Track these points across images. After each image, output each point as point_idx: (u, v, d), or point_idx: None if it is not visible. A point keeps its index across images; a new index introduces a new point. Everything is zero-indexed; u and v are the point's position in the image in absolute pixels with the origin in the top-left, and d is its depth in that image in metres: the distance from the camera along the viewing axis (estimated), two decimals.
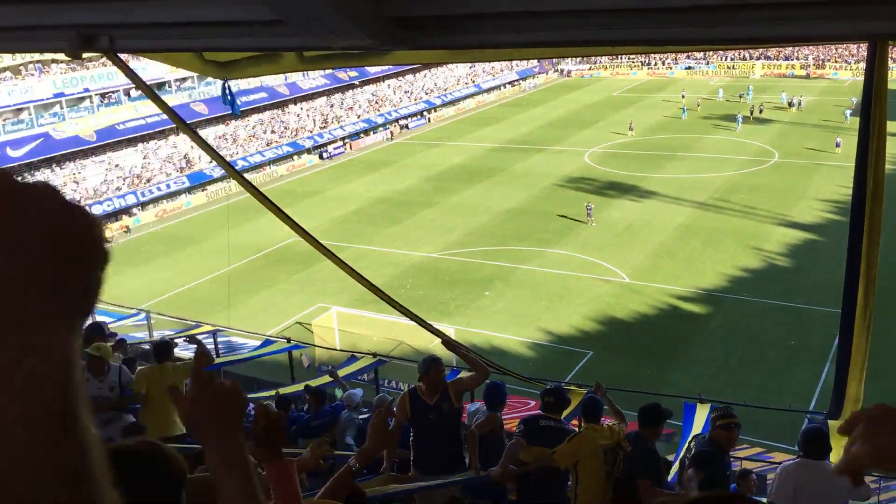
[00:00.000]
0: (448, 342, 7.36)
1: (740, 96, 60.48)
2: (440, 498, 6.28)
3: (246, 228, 35.58)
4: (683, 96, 62.93)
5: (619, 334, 24.91)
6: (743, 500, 0.90)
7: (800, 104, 55.95)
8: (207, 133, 48.05)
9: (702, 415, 10.20)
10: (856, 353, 5.42)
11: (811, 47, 74.79)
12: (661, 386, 18.07)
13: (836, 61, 72.07)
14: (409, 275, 30.71)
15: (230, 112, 46.71)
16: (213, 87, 47.68)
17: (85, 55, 3.10)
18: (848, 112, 51.37)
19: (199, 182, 45.95)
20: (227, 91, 4.93)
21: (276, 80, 54.23)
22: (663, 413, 6.57)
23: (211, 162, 42.76)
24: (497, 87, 72.44)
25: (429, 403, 6.58)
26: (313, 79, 57.16)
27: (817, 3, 1.85)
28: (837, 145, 44.22)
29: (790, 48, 75.19)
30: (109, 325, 11.94)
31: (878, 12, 1.86)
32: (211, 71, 4.31)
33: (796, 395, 19.43)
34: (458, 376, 7.69)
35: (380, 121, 59.44)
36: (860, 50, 57.90)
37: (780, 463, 7.46)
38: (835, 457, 6.70)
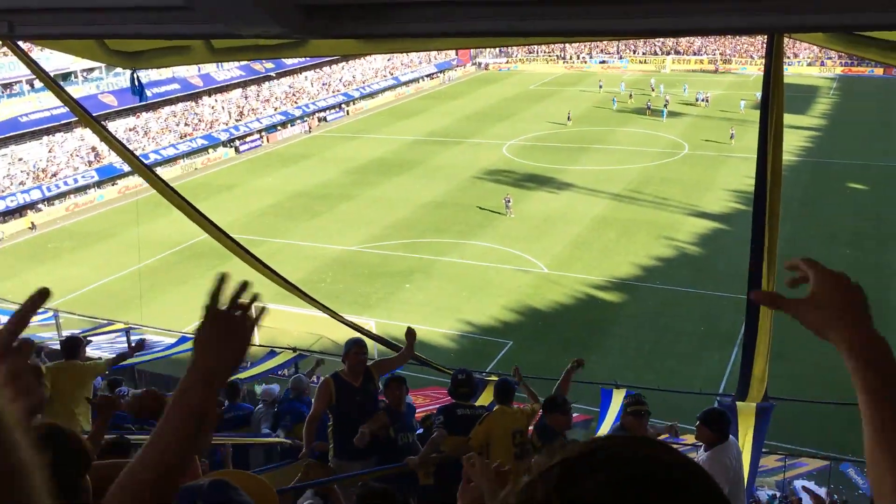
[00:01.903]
0: (409, 331, 7.32)
1: (652, 90, 62.21)
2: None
3: (159, 223, 34.57)
4: (601, 87, 65.16)
5: (538, 324, 25.32)
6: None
7: (706, 100, 57.83)
8: (117, 125, 46.44)
9: (618, 400, 10.48)
10: (761, 335, 5.65)
11: (718, 43, 77.46)
12: (578, 374, 18.44)
13: (741, 56, 74.83)
14: (330, 268, 30.45)
15: (140, 103, 45.29)
16: (123, 77, 46.08)
17: None
18: (742, 103, 54.00)
19: (108, 176, 44.33)
20: (136, 80, 4.78)
21: (189, 72, 52.82)
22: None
23: (118, 156, 41.34)
24: (416, 80, 72.38)
25: (354, 386, 6.56)
26: (228, 70, 55.89)
27: None
28: (731, 136, 46.15)
29: (699, 43, 77.72)
30: None
31: (772, 6, 1.95)
32: (116, 61, 4.17)
33: (707, 378, 20.14)
34: (382, 359, 7.69)
35: (297, 113, 58.60)
36: (764, 45, 60.23)
37: (692, 445, 7.69)
38: (743, 429, 6.98)
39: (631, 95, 60.67)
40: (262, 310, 1.51)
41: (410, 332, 7.24)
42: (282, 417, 9.14)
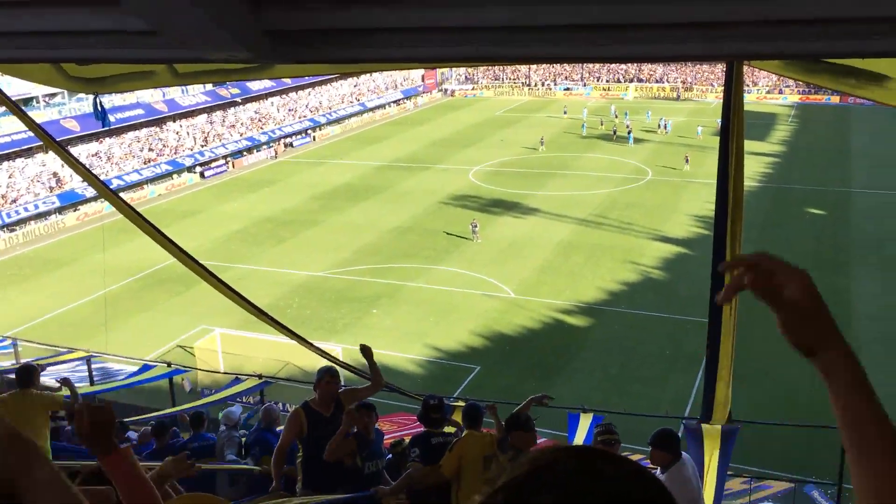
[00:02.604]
0: (364, 350, 7.22)
1: (615, 117, 63.14)
2: None
3: (122, 250, 34.09)
4: (565, 112, 66.63)
5: (505, 348, 25.33)
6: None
7: (666, 126, 58.83)
8: (80, 151, 45.83)
9: (585, 424, 10.49)
10: (723, 358, 5.71)
11: (679, 70, 78.96)
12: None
13: (702, 84, 76.32)
14: (296, 294, 30.22)
15: (103, 128, 44.80)
16: (85, 102, 45.58)
17: None
18: (700, 129, 55.38)
19: (70, 202, 43.66)
20: (99, 105, 4.74)
21: (153, 97, 52.44)
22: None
23: (83, 181, 40.85)
24: (382, 106, 72.63)
25: (325, 416, 6.46)
26: (193, 95, 55.59)
27: (676, 25, 1.97)
28: (686, 161, 47.02)
29: (661, 71, 79.15)
30: None
31: (733, 34, 2.00)
32: (78, 86, 4.13)
33: (672, 401, 20.28)
34: (352, 387, 7.59)
35: (263, 139, 58.38)
36: (724, 73, 61.55)
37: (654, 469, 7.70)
38: (708, 451, 7.03)
39: (602, 122, 61.57)
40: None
41: (366, 350, 7.14)
42: (251, 448, 8.96)
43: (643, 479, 0.89)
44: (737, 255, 1.31)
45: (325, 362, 9.03)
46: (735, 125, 4.36)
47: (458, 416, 9.23)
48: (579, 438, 10.30)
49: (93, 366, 16.04)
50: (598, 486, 0.85)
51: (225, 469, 8.69)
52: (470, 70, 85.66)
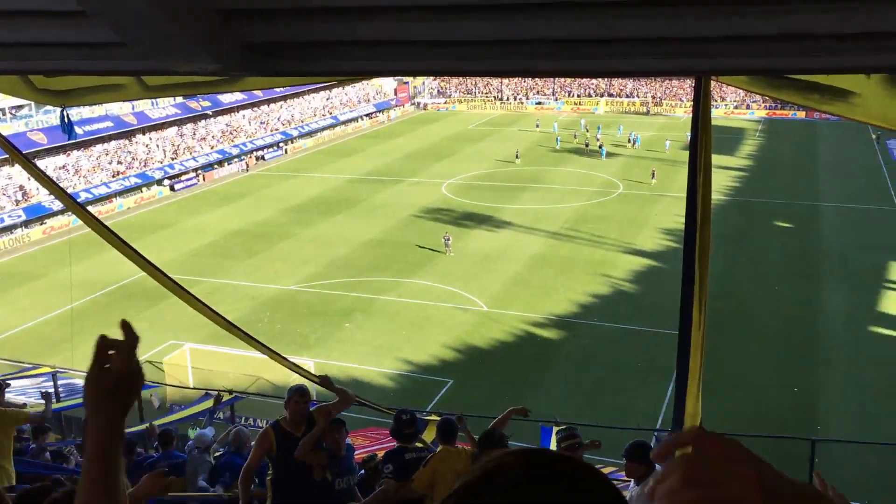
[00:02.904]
0: (324, 381, 7.19)
1: (586, 131, 63.69)
2: None
3: (89, 264, 33.63)
4: (537, 126, 67.41)
5: (478, 362, 25.32)
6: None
7: (635, 141, 59.45)
8: (47, 164, 45.22)
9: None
10: (692, 370, 5.75)
11: (649, 86, 79.92)
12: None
13: (672, 99, 77.31)
14: (267, 308, 29.99)
15: (70, 141, 44.28)
16: (53, 115, 45.08)
17: None
18: (668, 143, 56.30)
19: (37, 215, 43.02)
20: (66, 118, 4.68)
21: (122, 109, 51.96)
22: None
23: (50, 194, 40.31)
24: (355, 119, 72.61)
25: (295, 435, 6.38)
26: (163, 108, 55.17)
27: (646, 40, 1.99)
28: (653, 176, 47.58)
29: (631, 86, 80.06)
30: None
31: (700, 50, 2.03)
32: (45, 99, 4.08)
33: (645, 413, 20.39)
34: (323, 404, 7.51)
35: (234, 152, 58.05)
36: (692, 87, 62.46)
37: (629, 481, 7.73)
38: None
39: (575, 135, 62.16)
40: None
41: (325, 381, 7.14)
42: (221, 473, 8.80)
43: (595, 483, 0.89)
44: (671, 438, 0.79)
45: (297, 377, 8.96)
46: (703, 140, 4.41)
47: (431, 431, 9.19)
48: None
49: (59, 382, 15.76)
50: (549, 488, 0.86)
51: (196, 497, 8.54)
52: (442, 84, 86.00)
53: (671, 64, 2.09)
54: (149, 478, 2.80)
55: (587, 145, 58.07)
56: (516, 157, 55.33)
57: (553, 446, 10.07)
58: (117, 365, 1.47)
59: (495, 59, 2.14)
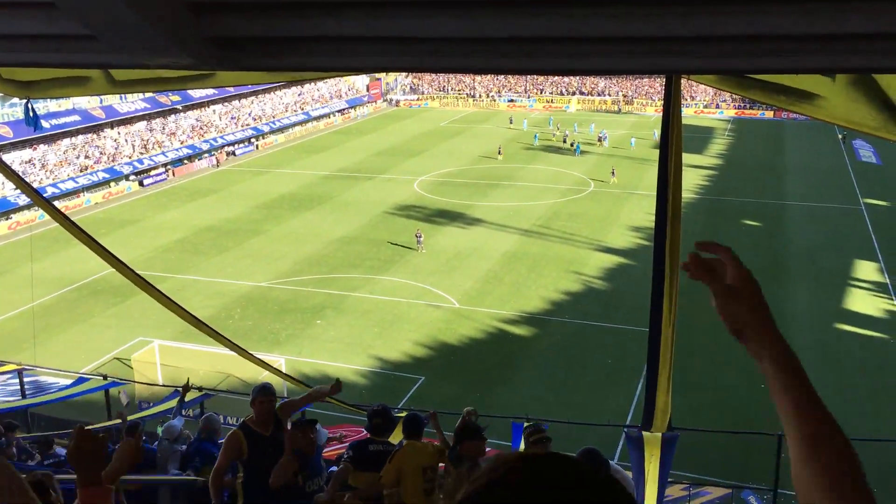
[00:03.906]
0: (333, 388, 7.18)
1: (556, 128, 64.06)
2: None
3: (55, 259, 33.17)
4: (511, 122, 68.26)
5: (449, 358, 25.36)
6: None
7: (603, 139, 59.93)
8: (12, 158, 44.45)
9: None
10: (662, 366, 5.81)
11: (620, 84, 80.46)
12: (489, 407, 18.55)
13: (643, 98, 77.91)
14: (238, 305, 29.77)
15: (34, 134, 43.54)
16: (18, 108, 44.23)
17: None
18: (633, 140, 57.19)
19: (2, 210, 42.28)
20: (31, 110, 4.61)
21: (90, 103, 51.20)
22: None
23: (15, 189, 39.57)
24: (326, 115, 72.26)
25: (264, 435, 6.33)
26: (132, 102, 54.47)
27: (615, 39, 2.02)
28: (612, 174, 48.11)
29: (602, 84, 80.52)
30: None
31: (669, 49, 2.05)
32: (9, 90, 4.02)
33: (614, 410, 20.55)
34: (288, 399, 7.47)
35: (205, 147, 57.49)
36: (663, 86, 63.11)
37: None
38: (649, 459, 7.14)
39: (554, 133, 62.55)
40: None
41: (336, 387, 7.18)
42: (191, 459, 8.79)
43: (603, 485, 0.90)
44: (703, 242, 1.42)
45: (266, 373, 8.92)
46: (674, 138, 4.45)
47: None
48: (523, 447, 10.37)
49: (25, 379, 15.51)
50: (556, 493, 0.86)
51: (166, 481, 8.49)
52: (415, 80, 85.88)
53: (642, 63, 2.12)
54: (120, 450, 2.60)
55: (569, 143, 58.40)
56: (499, 152, 55.80)
57: (522, 444, 10.13)
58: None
59: (465, 56, 2.15)
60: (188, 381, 10.94)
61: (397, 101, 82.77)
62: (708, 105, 74.11)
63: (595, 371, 24.32)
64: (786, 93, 3.35)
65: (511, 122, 68.28)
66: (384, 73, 68.51)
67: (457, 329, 27.40)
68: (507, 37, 2.05)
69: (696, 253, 1.44)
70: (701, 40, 1.96)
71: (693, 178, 46.96)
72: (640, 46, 2.05)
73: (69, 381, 16.23)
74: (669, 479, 9.97)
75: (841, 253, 34.74)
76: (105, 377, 15.22)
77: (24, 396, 14.63)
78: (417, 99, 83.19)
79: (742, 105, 71.94)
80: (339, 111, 73.97)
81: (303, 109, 70.16)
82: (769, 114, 70.03)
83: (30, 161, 46.78)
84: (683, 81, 4.64)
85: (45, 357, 21.60)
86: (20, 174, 6.44)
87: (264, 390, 6.47)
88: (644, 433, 7.70)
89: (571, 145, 57.59)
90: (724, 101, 73.33)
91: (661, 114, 4.86)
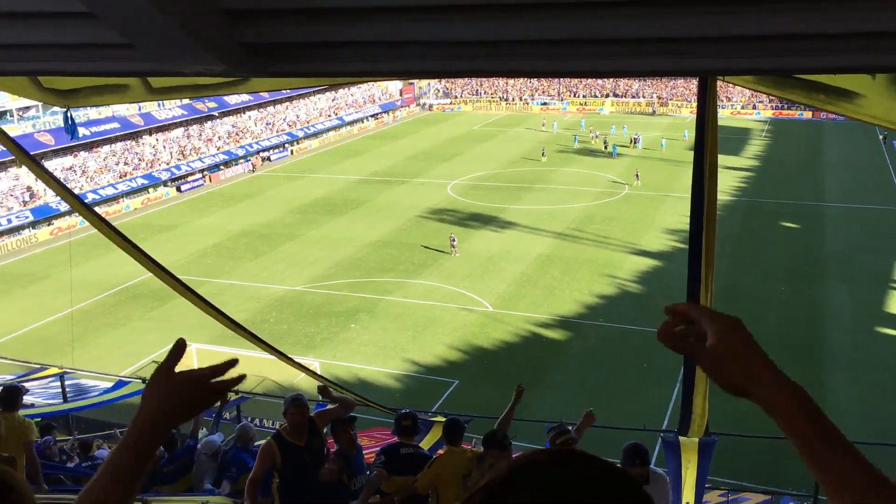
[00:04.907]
0: (322, 390, 7.21)
1: (590, 130, 63.72)
2: None
3: (95, 265, 33.78)
4: (543, 124, 68.31)
5: (483, 362, 25.32)
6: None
7: (637, 141, 59.51)
8: (54, 165, 45.41)
9: None
10: (699, 371, 5.73)
11: (655, 86, 79.79)
12: (522, 411, 18.45)
13: (678, 99, 77.17)
14: (273, 309, 30.04)
15: (72, 142, 44.42)
16: (59, 116, 44.93)
17: None
18: (663, 141, 56.65)
19: (43, 216, 43.19)
20: (70, 118, 4.70)
21: (129, 110, 52.13)
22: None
23: (57, 195, 40.27)
24: (360, 120, 72.68)
25: (298, 445, 6.35)
26: (169, 109, 55.33)
27: (650, 40, 2.00)
28: (637, 177, 47.70)
29: (636, 86, 79.92)
30: None
31: (705, 50, 2.03)
32: (50, 99, 4.11)
33: (649, 414, 20.33)
34: (325, 408, 7.51)
35: (240, 153, 58.18)
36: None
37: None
38: (686, 464, 7.05)
39: (594, 135, 62.25)
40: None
41: (323, 391, 7.17)
42: (227, 468, 8.80)
43: (623, 485, 0.90)
44: (667, 307, 1.30)
45: (302, 378, 8.99)
46: (709, 140, 4.40)
47: (436, 432, 9.19)
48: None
49: (66, 382, 15.79)
50: (575, 486, 0.87)
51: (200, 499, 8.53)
52: (448, 84, 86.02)
53: (675, 64, 2.09)
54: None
55: (609, 145, 58.04)
56: (542, 154, 55.98)
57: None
58: (216, 387, 1.45)
59: (495, 59, 2.15)
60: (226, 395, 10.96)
61: (430, 106, 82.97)
62: (744, 106, 73.16)
63: (630, 375, 24.10)
64: (825, 91, 3.29)
65: (543, 125, 68.24)
66: (420, 79, 68.89)
67: (490, 332, 27.36)
68: (536, 40, 2.04)
69: (669, 323, 1.33)
70: (734, 40, 1.93)
71: (729, 179, 46.38)
72: (673, 47, 2.02)
73: (109, 385, 16.48)
74: (707, 485, 9.85)
75: (881, 254, 34.04)
76: (144, 380, 15.41)
77: (65, 399, 14.88)
78: (450, 103, 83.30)
79: (779, 106, 70.89)
80: (372, 116, 74.36)
81: (336, 115, 70.65)
82: (807, 114, 68.89)
83: (71, 168, 47.73)
84: (719, 83, 4.59)
85: (84, 360, 21.99)
86: (61, 181, 6.55)
87: (295, 402, 6.47)
88: (681, 438, 7.61)
89: (606, 147, 57.36)
90: (761, 101, 72.32)
91: (694, 115, 4.80)
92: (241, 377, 1.56)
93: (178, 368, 1.47)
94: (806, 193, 45.01)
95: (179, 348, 1.49)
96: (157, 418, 1.38)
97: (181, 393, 1.41)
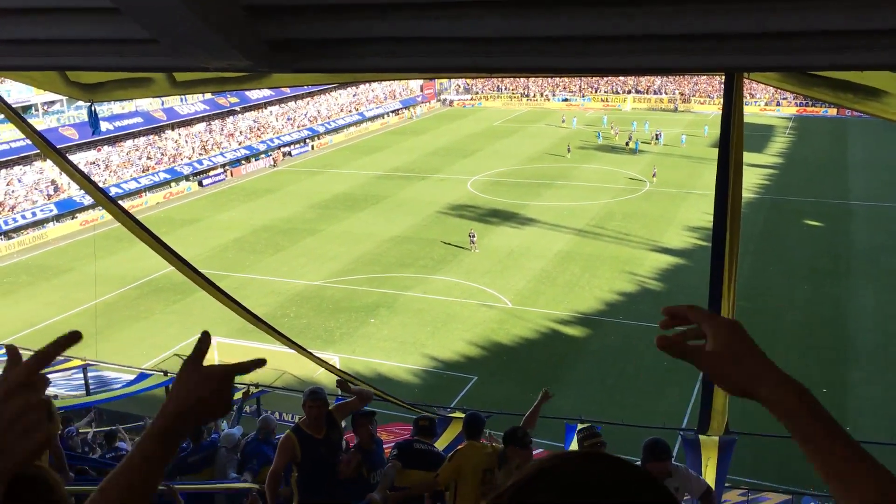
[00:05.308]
0: (340, 383, 7.22)
1: (612, 127, 63.37)
2: None
3: (118, 258, 34.10)
4: (563, 120, 68.10)
5: (502, 359, 25.29)
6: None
7: (658, 137, 59.13)
8: (78, 159, 45.88)
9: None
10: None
11: (677, 83, 79.19)
12: (542, 408, 18.41)
13: (700, 96, 76.57)
14: (293, 303, 30.19)
15: (94, 137, 44.85)
16: (84, 111, 45.49)
17: None
18: (683, 137, 56.39)
19: (68, 210, 43.67)
20: (93, 113, 4.74)
21: (152, 105, 52.54)
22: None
23: (81, 189, 40.69)
24: (381, 116, 72.79)
25: (317, 438, 6.37)
26: (192, 104, 55.71)
27: (675, 37, 1.98)
28: (654, 175, 47.36)
29: (658, 83, 79.36)
30: None
31: (731, 46, 2.01)
32: (75, 93, 4.14)
33: (669, 412, 20.24)
34: (342, 402, 7.53)
35: (262, 148, 58.47)
36: (721, 84, 61.88)
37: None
38: (706, 462, 7.01)
39: (616, 132, 61.89)
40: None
41: (342, 385, 7.17)
42: (248, 460, 8.86)
43: (649, 487, 0.90)
44: (665, 308, 1.29)
45: (321, 372, 9.02)
46: (734, 137, 4.35)
47: (455, 428, 9.20)
48: (574, 448, 10.28)
49: (89, 374, 15.98)
50: (601, 488, 0.87)
51: (223, 488, 8.61)
52: (469, 80, 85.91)
53: (700, 61, 2.08)
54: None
55: (631, 142, 57.74)
56: (567, 150, 55.87)
57: (574, 445, 10.04)
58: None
59: (518, 56, 2.14)
60: (248, 389, 11.03)
61: (451, 101, 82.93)
62: (768, 103, 72.46)
63: (650, 372, 23.98)
64: (852, 90, 3.25)
65: (563, 122, 67.96)
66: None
67: (510, 329, 27.32)
68: (560, 36, 2.03)
69: (665, 333, 1.32)
70: (761, 37, 1.91)
71: (753, 177, 45.96)
72: (700, 44, 2.00)
73: (131, 377, 16.67)
74: (727, 485, 9.79)
75: None
76: (166, 373, 15.57)
77: (88, 391, 15.07)
78: (471, 99, 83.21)
79: (804, 102, 70.14)
80: (393, 111, 74.44)
81: (357, 110, 70.79)
82: (832, 111, 68.11)
83: (94, 162, 48.21)
84: (744, 79, 4.54)
85: (107, 353, 22.20)
86: (86, 174, 6.60)
87: (313, 395, 6.49)
88: (700, 436, 7.58)
89: (626, 144, 57.07)
90: (786, 98, 71.57)
91: (717, 112, 4.75)
92: (262, 361, 1.56)
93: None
94: (830, 191, 44.51)
95: (205, 341, 1.49)
96: (183, 410, 1.39)
97: (209, 386, 1.42)
